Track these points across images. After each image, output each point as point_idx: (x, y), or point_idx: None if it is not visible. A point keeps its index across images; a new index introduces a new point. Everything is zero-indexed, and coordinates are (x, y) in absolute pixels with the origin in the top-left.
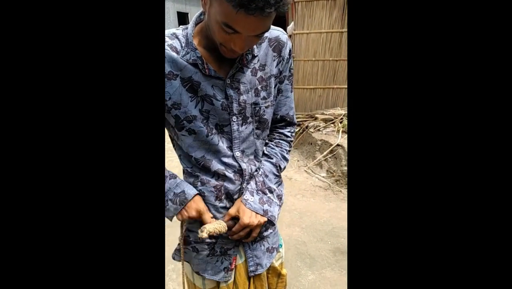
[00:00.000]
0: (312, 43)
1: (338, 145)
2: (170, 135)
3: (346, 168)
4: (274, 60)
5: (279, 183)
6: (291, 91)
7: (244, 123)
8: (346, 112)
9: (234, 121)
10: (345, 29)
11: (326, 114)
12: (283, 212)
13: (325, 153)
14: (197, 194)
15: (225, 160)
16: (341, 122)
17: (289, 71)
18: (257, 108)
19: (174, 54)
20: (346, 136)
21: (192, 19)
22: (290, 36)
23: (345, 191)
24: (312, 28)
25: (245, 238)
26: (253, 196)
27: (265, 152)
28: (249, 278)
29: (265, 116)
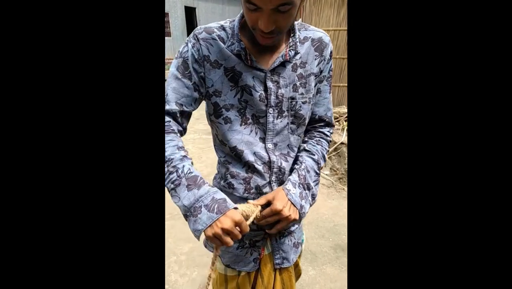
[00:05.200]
0: None
1: (342, 143)
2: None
3: None
4: (315, 59)
5: (317, 182)
6: (329, 92)
7: (279, 116)
8: None
9: (270, 113)
10: None
11: None
12: None
13: (329, 151)
14: (236, 207)
15: (257, 150)
16: (346, 121)
17: (329, 72)
18: (294, 102)
19: (221, 43)
20: None
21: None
22: None
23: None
24: (320, 26)
25: (268, 227)
26: (295, 188)
27: (307, 148)
28: (274, 270)
29: (301, 112)
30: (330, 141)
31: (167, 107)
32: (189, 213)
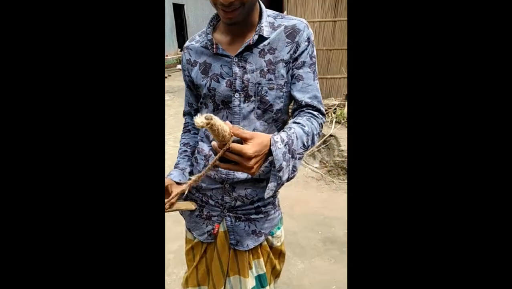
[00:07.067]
0: None
1: (331, 135)
2: None
3: (338, 159)
4: (286, 46)
5: (301, 157)
6: (314, 80)
7: (246, 101)
8: (340, 102)
9: (236, 98)
10: (338, 18)
11: None
12: None
13: (318, 144)
14: (169, 178)
15: None
16: (334, 113)
17: (310, 58)
18: (259, 87)
19: (197, 45)
20: (339, 126)
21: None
22: None
23: (337, 181)
24: (305, 17)
25: (222, 161)
26: (282, 144)
27: (296, 120)
28: (229, 248)
29: (267, 98)
30: (322, 127)
31: (184, 110)
32: None
